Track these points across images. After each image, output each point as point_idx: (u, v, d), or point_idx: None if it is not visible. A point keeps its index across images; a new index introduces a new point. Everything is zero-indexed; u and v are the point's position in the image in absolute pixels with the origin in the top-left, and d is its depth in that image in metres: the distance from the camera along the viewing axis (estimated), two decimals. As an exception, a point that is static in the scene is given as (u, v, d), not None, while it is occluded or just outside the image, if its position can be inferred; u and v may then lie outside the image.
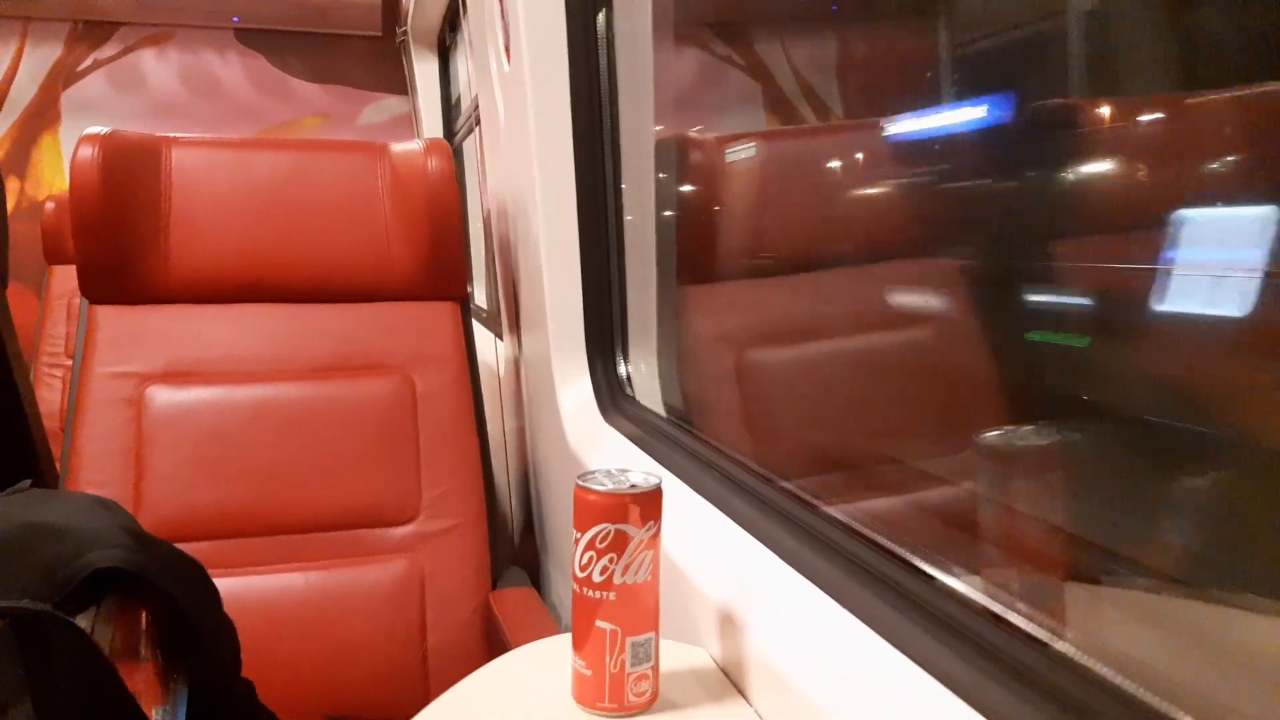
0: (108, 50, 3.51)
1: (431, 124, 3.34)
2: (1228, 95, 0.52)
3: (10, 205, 3.02)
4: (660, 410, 1.28)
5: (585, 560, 0.64)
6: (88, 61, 3.49)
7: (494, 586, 1.37)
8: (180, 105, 3.58)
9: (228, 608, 0.77)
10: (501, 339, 1.82)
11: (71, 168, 1.28)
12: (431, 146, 1.46)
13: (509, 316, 1.71)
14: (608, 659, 0.65)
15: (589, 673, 0.66)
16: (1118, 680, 0.48)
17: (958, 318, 0.82)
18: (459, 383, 1.43)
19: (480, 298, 2.67)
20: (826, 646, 0.64)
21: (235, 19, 3.56)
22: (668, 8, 1.31)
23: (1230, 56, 0.51)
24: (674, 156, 1.36)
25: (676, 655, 0.75)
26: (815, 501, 0.80)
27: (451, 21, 2.97)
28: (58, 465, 1.32)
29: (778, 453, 1.06)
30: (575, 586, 0.65)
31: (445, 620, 1.30)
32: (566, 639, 0.69)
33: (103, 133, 1.31)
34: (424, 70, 3.35)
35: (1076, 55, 0.63)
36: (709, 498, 0.92)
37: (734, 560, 0.80)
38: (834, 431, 1.01)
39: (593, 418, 1.29)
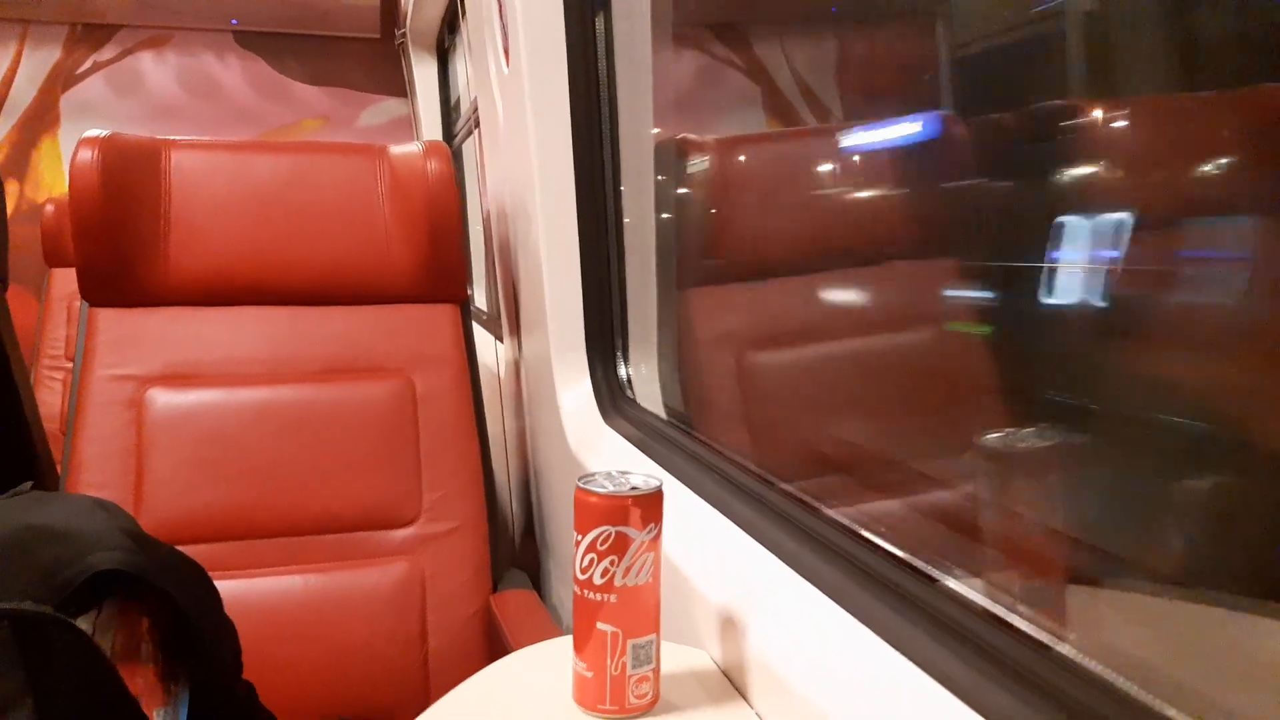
0: (107, 53, 3.51)
1: (430, 126, 3.34)
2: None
3: (10, 208, 3.02)
4: (661, 412, 1.28)
5: (586, 562, 0.64)
6: (87, 64, 3.50)
7: (494, 589, 1.37)
8: (179, 108, 3.58)
9: (228, 610, 0.77)
10: (501, 341, 1.82)
11: (71, 170, 1.28)
12: (430, 149, 1.46)
13: (509, 318, 1.71)
14: (609, 661, 0.65)
15: (590, 675, 0.66)
16: (1119, 682, 0.48)
17: (950, 318, 0.82)
18: (459, 385, 1.43)
19: (480, 300, 2.67)
20: (827, 649, 0.64)
21: (234, 21, 3.56)
22: (667, 10, 1.31)
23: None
24: (674, 158, 1.36)
25: (677, 657, 0.75)
26: (815, 503, 0.80)
27: (450, 24, 2.97)
28: (58, 468, 1.32)
29: (778, 454, 1.06)
30: (576, 589, 0.65)
31: (446, 622, 1.29)
32: (567, 641, 0.69)
33: (102, 135, 1.31)
34: (423, 72, 3.35)
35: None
36: (709, 500, 0.92)
37: (734, 562, 0.80)
38: (833, 432, 1.01)
39: (593, 420, 1.29)
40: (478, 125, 1.83)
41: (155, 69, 3.56)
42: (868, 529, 0.72)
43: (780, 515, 0.82)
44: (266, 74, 3.66)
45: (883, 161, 0.94)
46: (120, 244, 1.33)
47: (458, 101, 3.16)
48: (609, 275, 1.34)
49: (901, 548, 0.67)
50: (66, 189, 1.23)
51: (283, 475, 1.30)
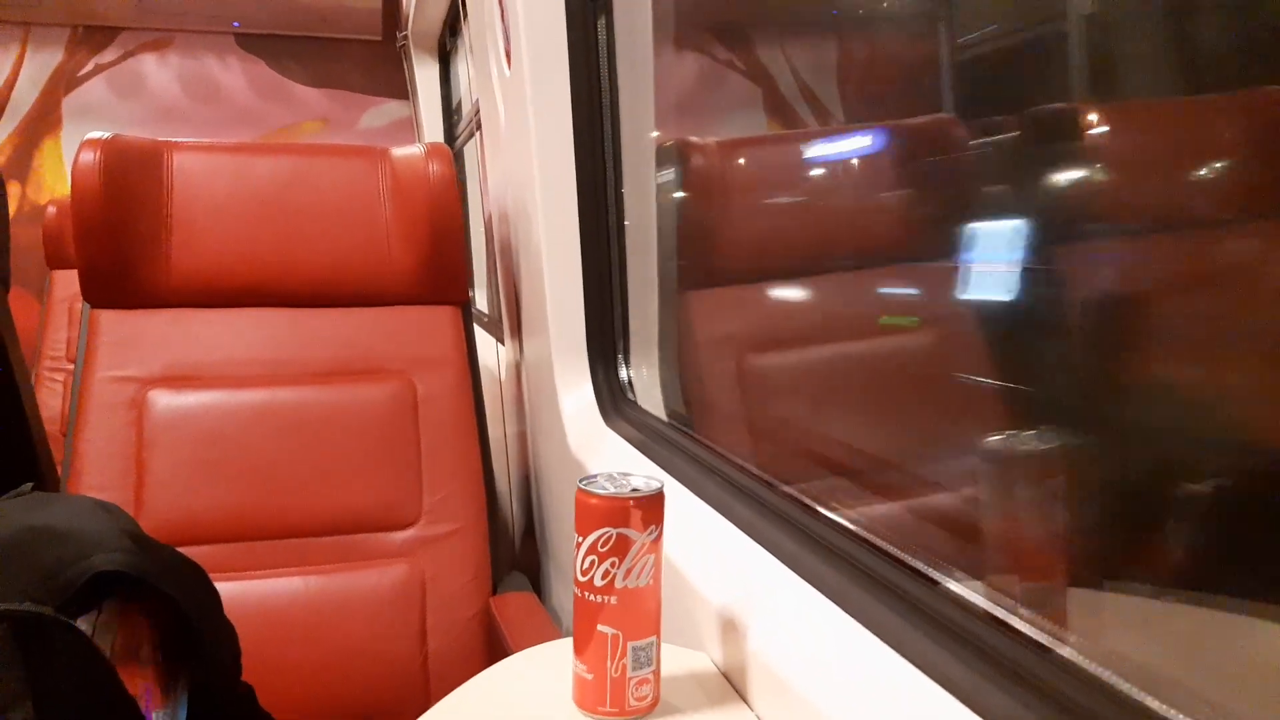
0: (108, 55, 3.51)
1: (432, 128, 3.35)
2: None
3: (12, 210, 3.03)
4: (662, 414, 1.28)
5: (587, 564, 0.64)
6: (89, 66, 3.50)
7: (494, 591, 1.37)
8: (180, 110, 3.58)
9: (228, 611, 0.77)
10: (502, 343, 1.82)
11: (73, 172, 1.29)
12: (432, 151, 1.46)
13: (510, 320, 1.71)
14: (609, 663, 0.65)
15: (590, 677, 0.65)
16: (1120, 684, 0.48)
17: (956, 320, 0.82)
18: (460, 387, 1.43)
19: (480, 302, 2.67)
20: (828, 651, 0.64)
21: (236, 24, 3.56)
22: (668, 12, 1.31)
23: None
24: (675, 161, 1.36)
25: (678, 659, 0.75)
26: (816, 506, 0.80)
27: (452, 26, 2.97)
28: (59, 469, 1.32)
29: (779, 456, 1.06)
30: (577, 590, 0.65)
31: (446, 624, 1.29)
32: (567, 643, 0.69)
33: (104, 137, 1.32)
34: (424, 75, 3.36)
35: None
36: (710, 502, 0.92)
37: (735, 564, 0.80)
38: (833, 433, 1.01)
39: (594, 422, 1.29)
40: (479, 127, 1.83)
41: (157, 71, 3.56)
42: (867, 530, 0.72)
43: (781, 517, 0.82)
44: (267, 76, 3.67)
45: (883, 163, 0.94)
46: (122, 245, 1.33)
47: (459, 104, 3.16)
48: (610, 277, 1.34)
49: (898, 547, 0.67)
50: (68, 191, 1.24)
51: (283, 477, 1.30)
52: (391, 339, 1.42)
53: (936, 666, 0.56)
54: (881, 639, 0.61)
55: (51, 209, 3.11)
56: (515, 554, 1.71)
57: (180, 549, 0.73)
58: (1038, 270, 0.64)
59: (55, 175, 3.48)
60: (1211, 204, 0.52)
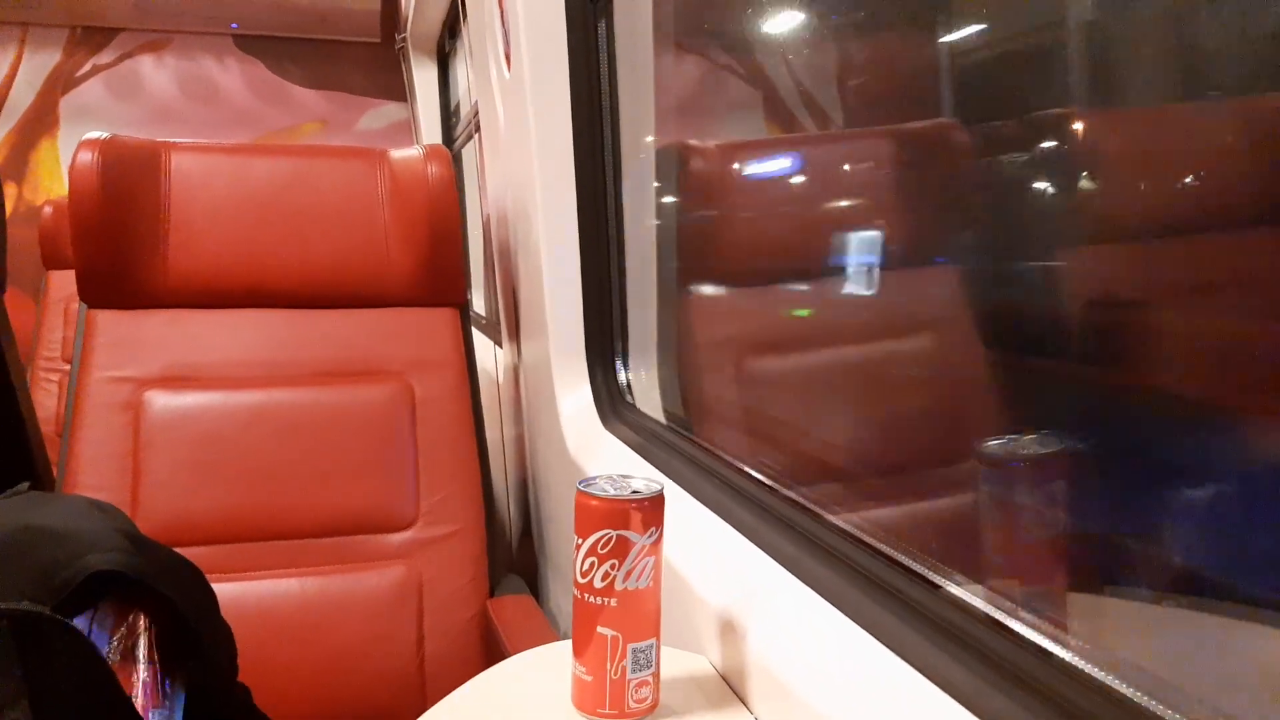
0: (106, 56, 3.51)
1: (430, 130, 3.35)
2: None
3: (8, 210, 3.02)
4: (660, 417, 1.28)
5: (586, 566, 0.64)
6: (86, 67, 3.50)
7: (492, 593, 1.36)
8: (178, 111, 3.58)
9: (224, 612, 0.76)
10: (500, 346, 1.82)
11: (71, 172, 1.28)
12: (431, 152, 1.46)
13: (508, 323, 1.71)
14: (609, 665, 0.64)
15: (589, 679, 0.65)
16: (1120, 687, 0.48)
17: (962, 323, 0.82)
18: (458, 389, 1.43)
19: (478, 305, 2.67)
20: (827, 653, 0.64)
21: (234, 25, 3.56)
22: (668, 16, 1.31)
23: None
24: (674, 164, 1.36)
25: (677, 662, 0.75)
26: (815, 508, 0.80)
27: (451, 28, 2.97)
28: (54, 470, 1.31)
29: (778, 458, 1.06)
30: (576, 592, 0.65)
31: (442, 627, 1.29)
32: (566, 646, 0.69)
33: (103, 137, 1.31)
34: (423, 77, 3.36)
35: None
36: (709, 504, 0.92)
37: (734, 567, 0.80)
38: (832, 435, 1.01)
39: (592, 424, 1.29)
40: (478, 130, 1.83)
41: (155, 72, 3.56)
42: (865, 531, 0.71)
43: (780, 520, 0.82)
44: (266, 78, 3.67)
45: (884, 166, 0.94)
46: (119, 246, 1.32)
47: (457, 106, 3.16)
48: (609, 280, 1.34)
49: (901, 551, 0.67)
50: (64, 191, 1.23)
51: (280, 478, 1.30)
52: (389, 341, 1.42)
53: (937, 669, 0.56)
54: (882, 642, 0.61)
55: (48, 209, 3.10)
56: (512, 556, 1.71)
57: (177, 550, 0.73)
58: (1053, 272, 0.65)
59: (52, 176, 3.47)
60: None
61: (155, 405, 1.30)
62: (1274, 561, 0.46)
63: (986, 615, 0.57)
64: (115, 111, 3.51)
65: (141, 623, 0.66)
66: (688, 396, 1.31)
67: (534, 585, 1.54)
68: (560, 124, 1.30)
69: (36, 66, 3.45)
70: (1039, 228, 0.65)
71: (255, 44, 3.64)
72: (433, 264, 1.44)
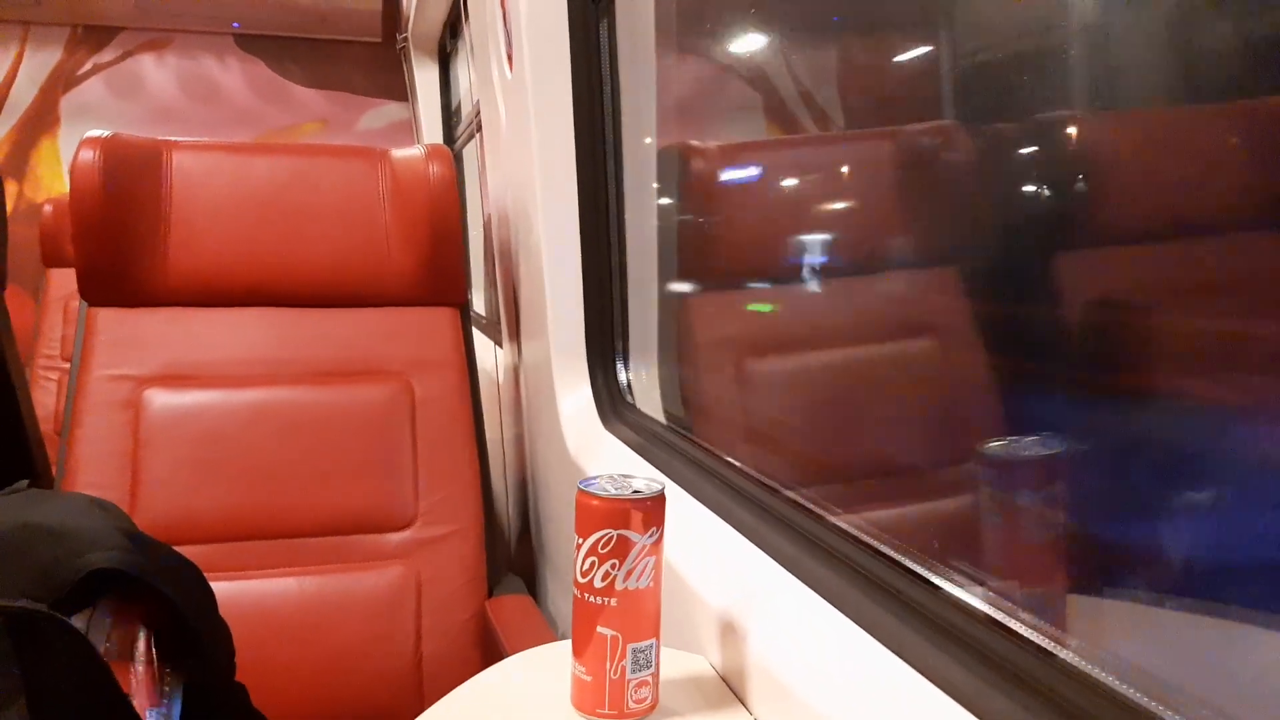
0: (107, 55, 3.51)
1: (431, 130, 3.35)
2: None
3: (9, 208, 3.02)
4: (661, 417, 1.28)
5: (587, 565, 0.64)
6: (87, 66, 3.50)
7: (490, 594, 1.36)
8: (179, 110, 3.58)
9: (223, 611, 0.76)
10: (500, 346, 1.82)
11: (72, 170, 1.28)
12: (432, 152, 1.46)
13: (509, 323, 1.70)
14: (608, 665, 0.64)
15: (589, 679, 0.65)
16: (1120, 687, 0.47)
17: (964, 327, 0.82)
18: (458, 389, 1.42)
19: (478, 305, 2.67)
20: (827, 654, 0.64)
21: (235, 24, 3.56)
22: (670, 16, 1.31)
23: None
24: (675, 164, 1.36)
25: (676, 663, 0.75)
26: (816, 508, 0.80)
27: (452, 28, 2.98)
28: (54, 468, 1.31)
29: (779, 459, 1.06)
30: (576, 592, 0.65)
31: (441, 627, 1.29)
32: (564, 646, 0.69)
33: (104, 136, 1.31)
34: (424, 77, 3.36)
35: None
36: (710, 505, 0.92)
37: (734, 567, 0.80)
38: (833, 438, 1.01)
39: (593, 425, 1.29)
40: (479, 130, 1.83)
41: (155, 71, 3.56)
42: (866, 532, 0.71)
43: (780, 520, 0.81)
44: (266, 77, 3.67)
45: (884, 167, 0.94)
46: (120, 244, 1.32)
47: (458, 106, 3.16)
48: (610, 280, 1.34)
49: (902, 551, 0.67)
50: (65, 190, 1.23)
51: (280, 477, 1.30)
52: (390, 340, 1.42)
53: (937, 670, 0.56)
54: (882, 642, 0.61)
55: (48, 208, 3.10)
56: (511, 557, 1.71)
57: (176, 548, 0.73)
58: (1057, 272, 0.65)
59: (52, 174, 3.47)
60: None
61: (155, 403, 1.29)
62: (1274, 562, 0.46)
63: (986, 615, 0.57)
64: (116, 110, 3.51)
65: (140, 621, 0.66)
66: (688, 397, 1.31)
67: (533, 585, 1.54)
68: (561, 124, 1.30)
69: (37, 65, 3.45)
70: (1044, 228, 0.65)
71: (256, 43, 3.64)
72: (433, 264, 1.44)
